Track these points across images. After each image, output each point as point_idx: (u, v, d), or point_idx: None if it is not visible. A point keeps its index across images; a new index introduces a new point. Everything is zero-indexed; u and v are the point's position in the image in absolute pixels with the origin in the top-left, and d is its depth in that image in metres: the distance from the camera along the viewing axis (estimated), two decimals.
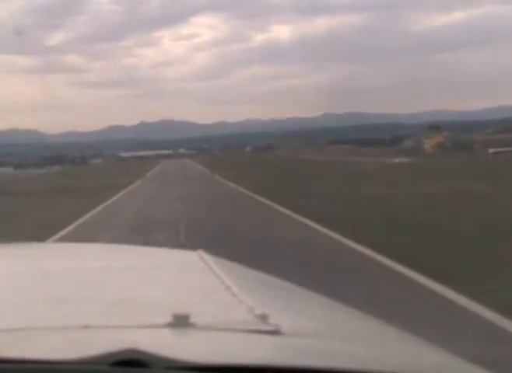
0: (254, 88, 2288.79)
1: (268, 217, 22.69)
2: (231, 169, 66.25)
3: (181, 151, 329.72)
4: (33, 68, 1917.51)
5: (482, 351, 5.78)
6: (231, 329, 1.36)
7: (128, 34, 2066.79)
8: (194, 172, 77.76)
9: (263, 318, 1.42)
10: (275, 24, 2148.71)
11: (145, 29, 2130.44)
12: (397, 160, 77.99)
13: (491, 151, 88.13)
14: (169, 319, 1.32)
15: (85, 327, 1.31)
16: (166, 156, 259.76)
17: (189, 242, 15.47)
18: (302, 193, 32.60)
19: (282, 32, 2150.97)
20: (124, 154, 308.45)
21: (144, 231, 18.70)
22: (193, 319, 1.33)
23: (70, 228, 20.96)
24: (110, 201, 33.58)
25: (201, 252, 2.50)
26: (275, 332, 1.33)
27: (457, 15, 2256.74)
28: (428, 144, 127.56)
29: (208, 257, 2.37)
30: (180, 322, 1.32)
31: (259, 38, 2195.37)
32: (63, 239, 17.54)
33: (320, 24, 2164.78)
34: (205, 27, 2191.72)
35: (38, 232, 17.83)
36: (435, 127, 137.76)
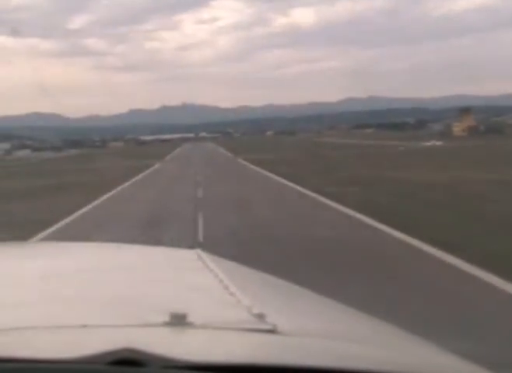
0: (276, 72, 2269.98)
1: (321, 216, 18.80)
2: (258, 152, 63.41)
3: (203, 134, 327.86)
4: (55, 52, 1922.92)
5: None
6: (228, 328, 1.35)
7: (150, 18, 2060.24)
8: (220, 158, 71.53)
9: (260, 317, 1.42)
10: (297, 7, 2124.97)
11: (167, 12, 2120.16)
12: (429, 143, 77.29)
13: None
14: (166, 318, 1.31)
15: (83, 326, 1.31)
16: (188, 139, 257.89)
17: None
18: (342, 178, 30.26)
19: (304, 15, 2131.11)
20: (145, 137, 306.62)
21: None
22: (190, 318, 1.33)
23: None
24: (101, 197, 27.51)
25: (199, 250, 2.50)
26: (272, 331, 1.33)
27: None
28: (458, 127, 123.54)
29: (206, 256, 2.37)
30: (178, 320, 1.31)
31: (281, 21, 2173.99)
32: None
33: (344, 7, 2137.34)
34: (227, 10, 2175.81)
35: None
36: (465, 110, 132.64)
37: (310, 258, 11.48)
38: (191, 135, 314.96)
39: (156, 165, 58.34)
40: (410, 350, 1.59)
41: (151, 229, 16.40)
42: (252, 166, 45.76)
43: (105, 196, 27.77)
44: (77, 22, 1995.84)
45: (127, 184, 35.56)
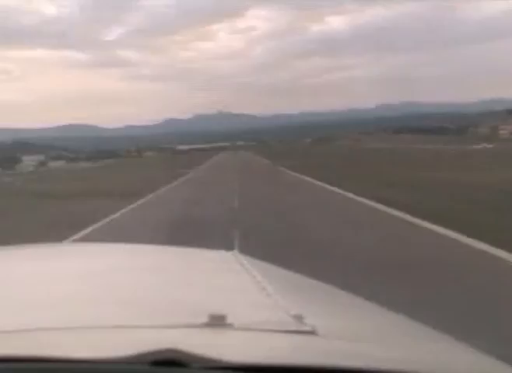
0: (311, 80, 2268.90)
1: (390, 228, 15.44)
2: (302, 166, 55.19)
3: (239, 143, 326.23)
4: (91, 63, 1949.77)
5: None
6: (267, 329, 1.36)
7: (184, 28, 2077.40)
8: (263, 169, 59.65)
9: (299, 318, 1.42)
10: (331, 15, 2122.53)
11: (201, 22, 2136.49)
12: (480, 146, 76.00)
13: None
14: (205, 319, 1.32)
15: (125, 327, 1.33)
16: (224, 148, 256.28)
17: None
18: (411, 184, 26.81)
19: (338, 23, 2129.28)
20: (181, 147, 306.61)
21: None
22: (229, 319, 1.33)
23: None
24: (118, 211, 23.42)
25: (235, 252, 2.56)
26: (311, 333, 1.33)
27: None
28: (505, 130, 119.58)
29: (242, 258, 2.41)
30: (217, 322, 1.32)
31: (315, 29, 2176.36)
32: None
33: (377, 14, 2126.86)
34: (261, 20, 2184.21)
35: None
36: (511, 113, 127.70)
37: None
38: (227, 144, 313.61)
39: (191, 174, 56.17)
40: (447, 352, 1.58)
41: None
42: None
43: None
44: (113, 33, 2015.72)
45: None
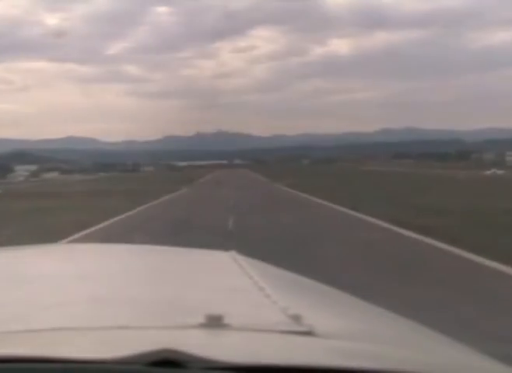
0: (311, 102, 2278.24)
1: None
2: (303, 185, 52.29)
3: (237, 161, 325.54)
4: (93, 77, 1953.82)
5: None
6: (265, 329, 1.36)
7: (186, 45, 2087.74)
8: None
9: (296, 319, 1.42)
10: (333, 38, 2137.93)
11: (203, 40, 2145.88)
12: (490, 172, 76.26)
13: None
14: (203, 320, 1.32)
15: (122, 327, 1.33)
16: (222, 166, 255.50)
17: None
18: (426, 207, 24.94)
19: (340, 46, 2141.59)
20: (179, 163, 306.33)
21: None
22: (227, 320, 1.33)
23: None
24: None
25: (233, 253, 2.55)
26: (308, 333, 1.33)
27: None
28: None
29: (240, 258, 2.41)
30: (214, 322, 1.32)
31: (317, 52, 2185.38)
32: None
33: (380, 39, 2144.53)
34: (264, 40, 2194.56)
35: None
36: None
37: None
38: (225, 162, 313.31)
39: (184, 190, 54.17)
40: (444, 352, 1.58)
41: None
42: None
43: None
44: (115, 47, 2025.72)
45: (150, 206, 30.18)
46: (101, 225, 22.72)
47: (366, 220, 22.35)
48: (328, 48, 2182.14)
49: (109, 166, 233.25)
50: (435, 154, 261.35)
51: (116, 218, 25.80)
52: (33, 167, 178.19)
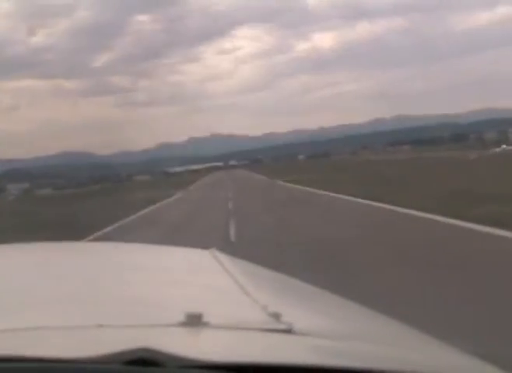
0: (300, 97, 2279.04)
1: None
2: (308, 180, 47.50)
3: (232, 162, 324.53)
4: (80, 90, 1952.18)
5: None
6: (244, 328, 1.36)
7: (171, 52, 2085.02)
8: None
9: (276, 317, 1.41)
10: (317, 32, 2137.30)
11: (187, 45, 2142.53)
12: (499, 149, 76.71)
13: None
14: (182, 318, 1.31)
15: (99, 326, 1.31)
16: (218, 168, 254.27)
17: None
18: (460, 194, 21.54)
19: (324, 39, 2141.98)
20: (174, 169, 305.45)
21: None
22: (206, 318, 1.32)
23: None
24: None
25: (214, 250, 2.53)
26: (288, 331, 1.33)
27: (502, 10, 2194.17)
28: None
29: (221, 256, 2.40)
30: (193, 320, 1.31)
31: (302, 47, 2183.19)
32: None
33: (363, 29, 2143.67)
34: (247, 39, 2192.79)
35: None
36: None
37: None
38: (220, 164, 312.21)
39: (179, 195, 52.16)
40: (424, 350, 1.59)
41: None
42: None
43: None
44: (100, 60, 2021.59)
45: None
46: None
47: (421, 217, 17.32)
48: (312, 43, 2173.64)
49: (103, 179, 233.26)
50: (430, 138, 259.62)
51: None
52: (26, 185, 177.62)
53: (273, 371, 1.04)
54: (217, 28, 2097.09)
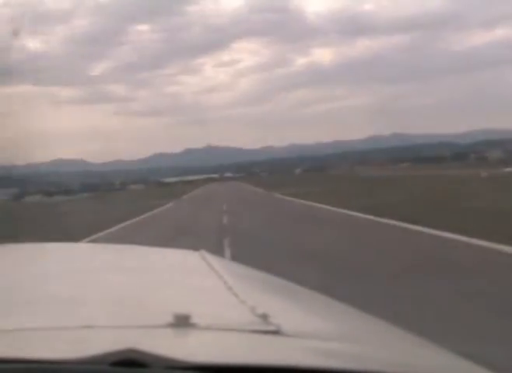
0: (298, 112, 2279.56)
1: None
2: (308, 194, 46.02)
3: (227, 174, 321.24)
4: (77, 98, 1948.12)
5: None
6: (232, 329, 1.35)
7: (170, 62, 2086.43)
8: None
9: (264, 318, 1.41)
10: (316, 47, 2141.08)
11: (186, 56, 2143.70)
12: (509, 169, 75.78)
13: None
14: (170, 319, 1.31)
15: (87, 327, 1.31)
16: (213, 180, 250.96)
17: None
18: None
19: (324, 55, 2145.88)
20: (168, 179, 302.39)
21: None
22: (194, 319, 1.32)
23: None
24: None
25: (203, 251, 2.55)
26: (276, 333, 1.32)
27: (500, 32, 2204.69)
28: None
29: (209, 257, 2.41)
30: (181, 322, 1.31)
31: (301, 62, 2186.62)
32: None
33: (363, 45, 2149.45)
34: (247, 53, 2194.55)
35: None
36: None
37: None
38: (216, 176, 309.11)
39: (170, 204, 49.49)
40: (414, 352, 1.58)
41: None
42: None
43: None
44: (99, 68, 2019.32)
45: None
46: None
47: (460, 241, 14.50)
48: (312, 57, 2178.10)
49: (94, 186, 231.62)
50: (431, 157, 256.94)
51: None
52: (15, 190, 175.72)
53: (261, 372, 1.03)
54: (216, 40, 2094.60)
